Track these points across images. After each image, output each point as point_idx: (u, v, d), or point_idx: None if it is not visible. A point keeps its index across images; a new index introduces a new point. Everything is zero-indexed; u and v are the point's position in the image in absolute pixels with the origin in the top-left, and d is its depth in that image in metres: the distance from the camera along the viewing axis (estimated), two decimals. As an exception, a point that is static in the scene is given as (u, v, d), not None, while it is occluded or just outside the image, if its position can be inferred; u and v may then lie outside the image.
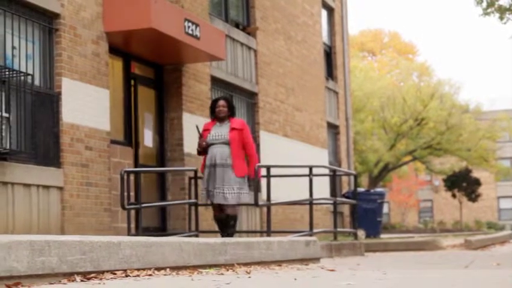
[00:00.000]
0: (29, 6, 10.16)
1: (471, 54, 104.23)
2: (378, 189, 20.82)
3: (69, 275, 4.11)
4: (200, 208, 12.06)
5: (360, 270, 5.71)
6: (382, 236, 20.37)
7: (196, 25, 12.48)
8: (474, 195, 38.61)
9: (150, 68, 13.33)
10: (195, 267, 5.21)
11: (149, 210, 12.36)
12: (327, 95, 20.14)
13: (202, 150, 9.72)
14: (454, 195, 38.91)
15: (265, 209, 15.95)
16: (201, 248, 5.44)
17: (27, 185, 9.81)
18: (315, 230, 10.81)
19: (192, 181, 12.13)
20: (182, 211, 13.19)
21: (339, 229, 11.80)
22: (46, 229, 10.01)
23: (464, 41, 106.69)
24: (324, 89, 19.92)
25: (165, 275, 4.68)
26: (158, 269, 4.80)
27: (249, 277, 4.32)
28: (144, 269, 4.71)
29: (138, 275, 4.49)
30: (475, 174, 39.59)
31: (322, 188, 17.43)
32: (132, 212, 10.87)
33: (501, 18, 18.43)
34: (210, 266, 5.43)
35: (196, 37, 12.44)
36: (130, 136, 12.57)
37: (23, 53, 9.98)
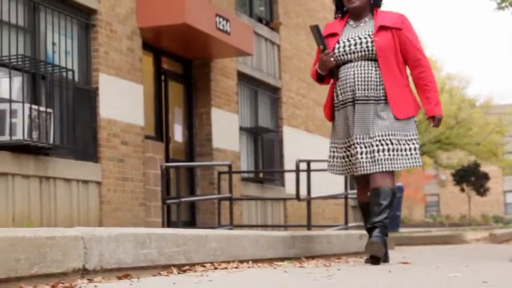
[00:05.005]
0: (67, 2, 10.23)
1: (480, 49, 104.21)
2: (397, 184, 20.88)
3: (167, 267, 4.20)
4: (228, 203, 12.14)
5: (429, 264, 5.79)
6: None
7: (227, 20, 12.55)
8: (483, 189, 38.72)
9: (178, 63, 13.40)
10: (270, 260, 5.29)
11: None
12: (345, 89, 20.18)
13: (329, 72, 5.41)
14: (462, 190, 39.02)
15: (289, 204, 16.10)
16: (274, 241, 5.53)
17: (68, 180, 9.88)
18: (349, 224, 10.91)
19: (222, 176, 12.22)
20: (211, 205, 13.26)
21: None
22: (86, 223, 10.08)
23: (472, 35, 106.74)
24: (343, 84, 19.97)
25: (249, 267, 4.75)
26: (241, 261, 4.88)
27: (338, 269, 4.39)
28: (228, 262, 4.79)
29: (226, 268, 4.56)
30: (482, 168, 39.67)
31: (336, 183, 17.52)
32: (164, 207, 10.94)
33: (515, 12, 18.63)
34: (282, 259, 5.51)
35: (226, 32, 12.51)
36: (161, 131, 12.64)
37: (62, 48, 10.05)
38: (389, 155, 5.16)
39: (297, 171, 9.54)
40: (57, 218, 9.61)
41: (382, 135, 5.16)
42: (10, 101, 8.74)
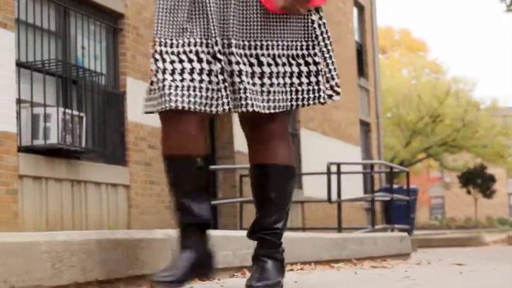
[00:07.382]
0: (96, 7, 10.27)
1: (484, 51, 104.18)
2: (412, 186, 20.91)
3: (240, 269, 4.24)
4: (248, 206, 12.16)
5: (481, 265, 5.83)
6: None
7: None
8: (489, 191, 38.79)
9: (200, 67, 13.44)
10: (327, 262, 5.34)
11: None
12: (358, 92, 20.27)
13: None
14: (469, 192, 39.09)
15: (306, 207, 16.15)
16: (328, 243, 5.57)
17: (98, 184, 9.92)
18: (376, 227, 10.95)
19: (243, 179, 12.25)
20: (233, 209, 13.29)
21: (395, 225, 11.90)
22: (115, 226, 10.12)
23: (476, 37, 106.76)
24: (357, 87, 20.05)
25: (312, 269, 4.80)
26: (303, 263, 4.93)
27: (406, 271, 4.43)
28: (291, 263, 4.83)
29: (291, 269, 4.60)
30: (488, 170, 39.72)
31: (355, 185, 17.60)
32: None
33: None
34: (336, 261, 5.55)
35: (249, 36, 12.55)
36: (184, 134, 12.67)
37: (91, 52, 10.09)
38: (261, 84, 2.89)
39: (328, 173, 9.57)
40: (88, 221, 9.65)
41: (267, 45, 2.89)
42: (44, 105, 8.78)
